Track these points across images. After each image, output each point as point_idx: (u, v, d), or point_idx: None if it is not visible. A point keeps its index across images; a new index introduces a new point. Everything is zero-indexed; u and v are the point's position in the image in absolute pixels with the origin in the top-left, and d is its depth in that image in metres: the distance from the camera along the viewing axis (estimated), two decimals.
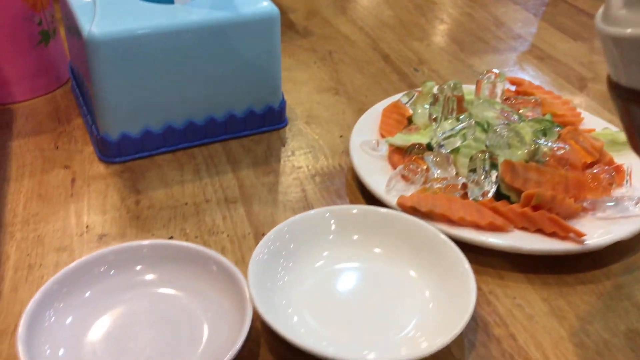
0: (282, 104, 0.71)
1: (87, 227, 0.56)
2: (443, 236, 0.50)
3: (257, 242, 0.54)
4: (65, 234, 0.55)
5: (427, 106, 0.66)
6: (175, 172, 0.64)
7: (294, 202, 0.60)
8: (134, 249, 0.48)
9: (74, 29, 0.64)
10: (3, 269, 0.51)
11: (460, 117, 0.61)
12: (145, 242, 0.49)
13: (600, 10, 0.33)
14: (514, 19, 1.05)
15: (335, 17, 1.03)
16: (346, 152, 0.68)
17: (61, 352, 0.42)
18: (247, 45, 0.65)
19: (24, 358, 0.39)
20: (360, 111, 0.75)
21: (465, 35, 0.98)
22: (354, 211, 0.53)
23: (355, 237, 0.52)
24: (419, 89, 0.71)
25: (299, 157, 0.67)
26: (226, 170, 0.64)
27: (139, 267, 0.48)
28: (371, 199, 0.59)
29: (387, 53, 0.91)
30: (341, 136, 0.71)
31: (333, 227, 0.52)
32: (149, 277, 0.48)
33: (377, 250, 0.52)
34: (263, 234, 0.56)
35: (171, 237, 0.55)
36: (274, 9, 0.65)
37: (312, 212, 0.53)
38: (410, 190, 0.57)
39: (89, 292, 0.46)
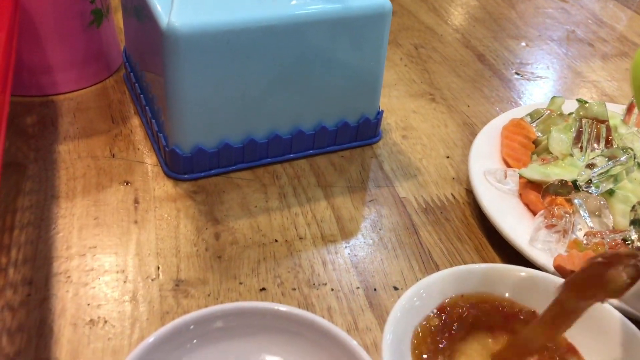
0: (379, 115, 0.59)
1: (158, 268, 0.45)
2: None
3: (368, 301, 0.44)
4: (131, 278, 0.44)
5: (563, 135, 0.54)
6: (258, 196, 0.52)
7: (406, 246, 0.49)
8: (239, 313, 0.37)
9: (142, 14, 0.52)
10: (59, 324, 0.41)
11: (612, 150, 0.50)
12: (254, 305, 0.37)
13: None
14: (615, 16, 0.93)
15: (414, 3, 0.90)
16: (458, 180, 0.56)
17: None
18: (351, 45, 0.53)
19: None
20: (465, 124, 0.64)
21: (563, 34, 0.86)
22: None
23: None
24: (545, 107, 0.59)
25: (402, 183, 0.55)
26: (317, 196, 0.53)
27: (246, 339, 0.37)
28: (502, 247, 0.48)
29: (481, 52, 0.79)
30: (448, 157, 0.59)
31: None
32: (264, 356, 0.37)
33: None
34: (375, 290, 0.45)
35: (263, 289, 0.44)
36: (386, 3, 0.53)
37: (458, 268, 0.42)
38: (557, 243, 0.46)
39: None
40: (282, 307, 0.38)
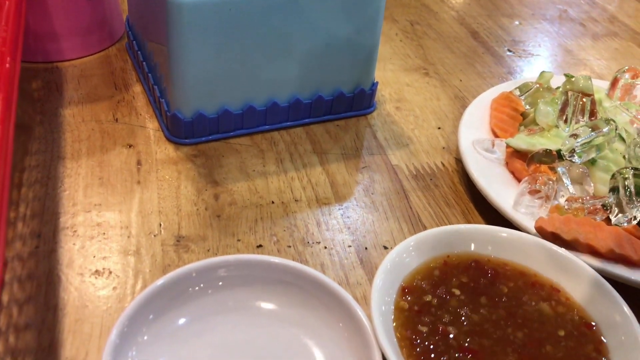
0: (374, 86, 0.61)
1: (160, 225, 0.47)
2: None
3: (359, 258, 0.47)
4: (135, 233, 0.47)
5: (550, 108, 0.56)
6: (256, 161, 0.55)
7: (396, 209, 0.51)
8: (238, 264, 0.40)
9: None
10: (66, 274, 0.43)
11: (595, 121, 0.52)
12: (254, 257, 0.40)
13: None
14: None
15: None
16: (448, 149, 0.59)
17: None
18: (348, 17, 0.55)
19: None
20: (457, 98, 0.66)
21: (556, 14, 0.88)
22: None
23: None
24: (534, 81, 0.61)
25: (394, 152, 0.58)
26: (313, 162, 0.55)
27: (243, 289, 0.40)
28: (487, 211, 0.51)
29: (475, 29, 0.81)
30: (439, 128, 0.62)
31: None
32: (259, 303, 0.40)
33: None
34: (366, 248, 0.48)
35: (260, 246, 0.47)
36: None
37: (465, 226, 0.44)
38: (540, 208, 0.48)
39: (183, 320, 0.38)
40: (277, 260, 0.40)
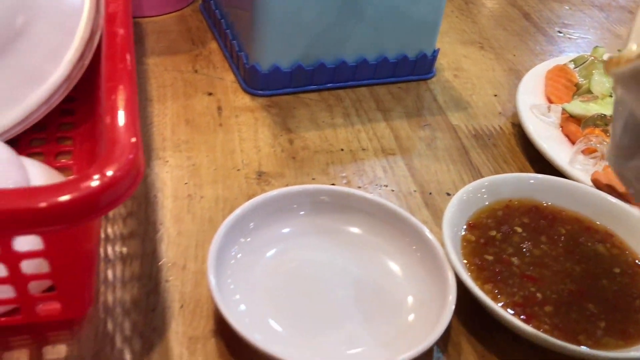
0: (436, 52, 0.65)
1: (242, 161, 0.52)
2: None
3: (424, 201, 0.50)
4: (220, 167, 0.51)
5: (604, 78, 0.59)
6: (324, 114, 0.59)
7: (457, 162, 0.55)
8: (332, 193, 0.45)
9: None
10: (161, 195, 0.47)
11: None
12: (344, 188, 0.45)
13: None
14: None
15: None
16: (504, 114, 0.62)
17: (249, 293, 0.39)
18: None
19: (219, 303, 0.36)
20: (511, 70, 0.70)
21: (606, 1, 0.91)
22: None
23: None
24: (589, 54, 0.64)
25: (454, 114, 0.61)
26: (377, 118, 0.59)
27: (334, 214, 0.45)
28: (543, 171, 0.54)
29: (527, 11, 0.84)
30: (495, 95, 0.65)
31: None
32: (347, 228, 0.45)
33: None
34: (430, 193, 0.51)
35: (333, 184, 0.51)
36: None
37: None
38: (594, 166, 0.52)
39: (280, 231, 0.42)
40: (363, 193, 0.45)
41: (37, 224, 0.28)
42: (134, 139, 0.32)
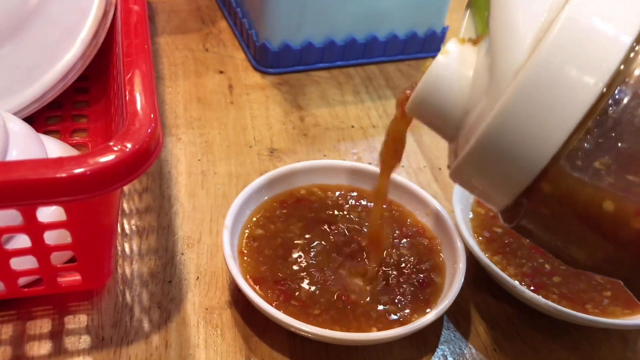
0: (445, 29, 0.65)
1: (254, 138, 0.53)
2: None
3: (434, 176, 0.51)
4: (233, 143, 0.52)
5: None
6: (334, 91, 0.59)
7: None
8: (339, 169, 0.46)
9: None
10: (176, 171, 0.48)
11: None
12: (356, 163, 0.46)
13: None
14: None
15: None
16: None
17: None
18: None
19: (234, 271, 0.37)
20: None
21: None
22: None
23: None
24: None
25: None
26: (387, 95, 0.60)
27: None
28: None
29: None
30: None
31: None
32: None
33: None
34: (439, 169, 0.52)
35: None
36: None
37: None
38: None
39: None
40: (373, 168, 0.45)
41: (61, 193, 0.29)
42: (152, 115, 0.33)
